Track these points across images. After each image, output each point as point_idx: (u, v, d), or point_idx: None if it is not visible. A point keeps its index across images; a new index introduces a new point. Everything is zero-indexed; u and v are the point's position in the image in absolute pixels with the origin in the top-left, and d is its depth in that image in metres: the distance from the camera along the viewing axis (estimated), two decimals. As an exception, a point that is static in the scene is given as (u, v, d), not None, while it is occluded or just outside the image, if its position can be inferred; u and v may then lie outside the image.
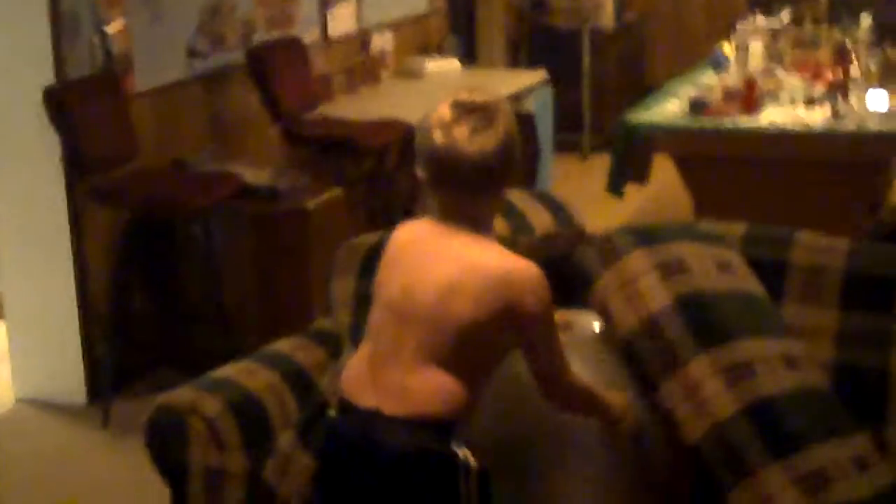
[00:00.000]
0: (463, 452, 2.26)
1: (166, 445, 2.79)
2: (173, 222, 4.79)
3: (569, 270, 2.76)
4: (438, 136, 2.27)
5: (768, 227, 2.93)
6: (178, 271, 4.84)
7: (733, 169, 4.87)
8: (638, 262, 2.67)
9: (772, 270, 2.81)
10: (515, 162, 2.33)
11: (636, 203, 6.10)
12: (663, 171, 5.25)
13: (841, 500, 2.40)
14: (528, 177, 6.16)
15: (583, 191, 6.29)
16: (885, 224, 3.83)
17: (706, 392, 2.49)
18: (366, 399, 2.32)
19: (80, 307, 4.53)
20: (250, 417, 2.80)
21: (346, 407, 2.37)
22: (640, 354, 2.59)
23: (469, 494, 2.26)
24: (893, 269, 2.74)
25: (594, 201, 5.74)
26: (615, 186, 5.07)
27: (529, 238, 2.86)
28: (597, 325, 2.73)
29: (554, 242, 2.92)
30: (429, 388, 2.27)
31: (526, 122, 6.29)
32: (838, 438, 2.49)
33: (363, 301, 2.75)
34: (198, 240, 4.72)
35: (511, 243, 2.72)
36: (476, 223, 2.34)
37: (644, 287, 2.63)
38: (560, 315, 2.64)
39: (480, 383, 2.34)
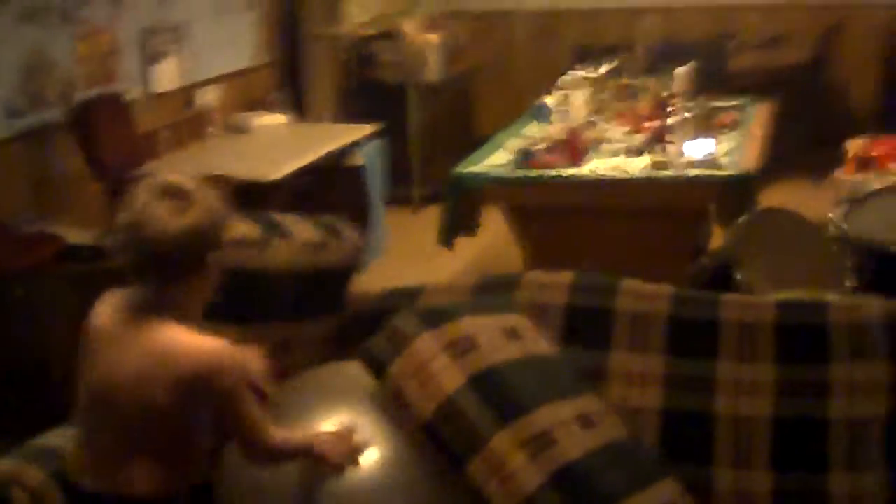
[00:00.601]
0: None
1: (-12, 519, 2.69)
2: (-7, 286, 4.63)
3: (360, 357, 2.73)
4: (126, 218, 2.27)
5: (595, 275, 2.98)
6: (1, 336, 4.67)
7: (560, 219, 4.95)
8: (427, 345, 2.64)
9: (599, 318, 2.86)
10: (210, 250, 2.32)
11: (469, 255, 6.14)
12: (495, 222, 5.31)
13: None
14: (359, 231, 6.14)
15: (415, 244, 6.31)
16: (707, 269, 3.93)
17: (511, 467, 2.46)
18: (88, 482, 2.37)
19: None
20: (76, 486, 2.72)
21: (74, 489, 2.40)
22: (441, 438, 2.55)
23: None
24: (713, 314, 2.82)
25: (427, 254, 5.76)
26: (446, 239, 5.11)
27: (287, 241, 2.89)
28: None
29: (319, 250, 2.97)
30: (135, 474, 2.32)
31: (356, 176, 6.29)
32: (646, 488, 2.52)
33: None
34: (20, 302, 4.58)
35: (263, 244, 2.80)
36: (166, 308, 2.34)
37: (436, 370, 2.60)
38: (336, 367, 2.71)
39: (193, 458, 2.39)
